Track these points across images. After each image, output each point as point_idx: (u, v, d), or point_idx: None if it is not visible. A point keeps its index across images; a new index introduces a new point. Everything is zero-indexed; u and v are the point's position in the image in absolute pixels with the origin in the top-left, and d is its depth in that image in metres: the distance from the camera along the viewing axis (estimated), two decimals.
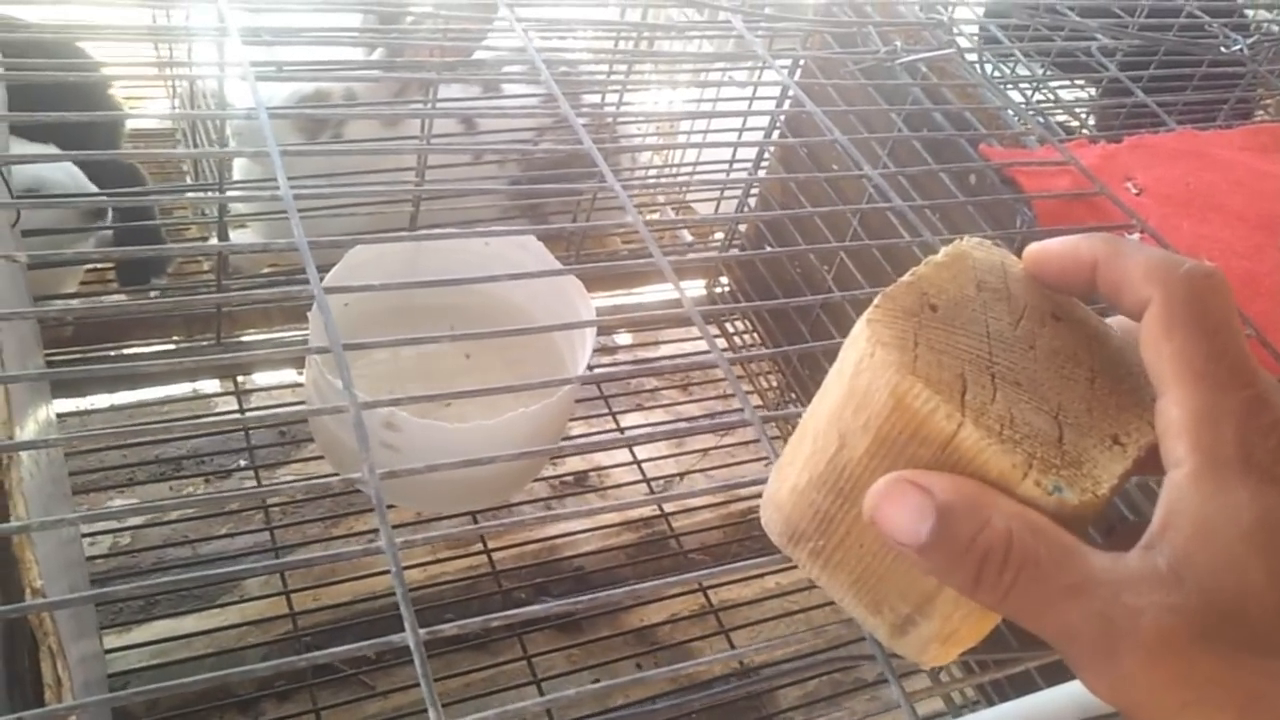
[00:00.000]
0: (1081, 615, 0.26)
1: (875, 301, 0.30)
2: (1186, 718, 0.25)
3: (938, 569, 0.27)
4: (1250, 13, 1.10)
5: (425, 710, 0.30)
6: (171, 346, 0.97)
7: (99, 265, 1.01)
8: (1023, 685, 0.53)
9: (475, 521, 0.91)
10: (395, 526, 0.33)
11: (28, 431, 0.48)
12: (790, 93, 0.65)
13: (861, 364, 0.29)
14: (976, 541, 0.26)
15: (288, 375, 1.04)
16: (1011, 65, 1.07)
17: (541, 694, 0.86)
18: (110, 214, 0.89)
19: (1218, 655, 0.25)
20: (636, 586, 0.38)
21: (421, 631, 0.32)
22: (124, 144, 1.03)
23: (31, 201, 0.63)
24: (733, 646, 0.93)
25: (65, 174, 0.84)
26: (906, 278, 0.31)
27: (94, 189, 0.86)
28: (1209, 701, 0.25)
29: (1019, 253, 0.33)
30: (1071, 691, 0.50)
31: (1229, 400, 0.27)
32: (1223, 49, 0.95)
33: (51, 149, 0.84)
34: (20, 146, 0.81)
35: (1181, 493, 0.26)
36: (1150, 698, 0.26)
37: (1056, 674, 0.52)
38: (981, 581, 0.27)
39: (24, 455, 0.42)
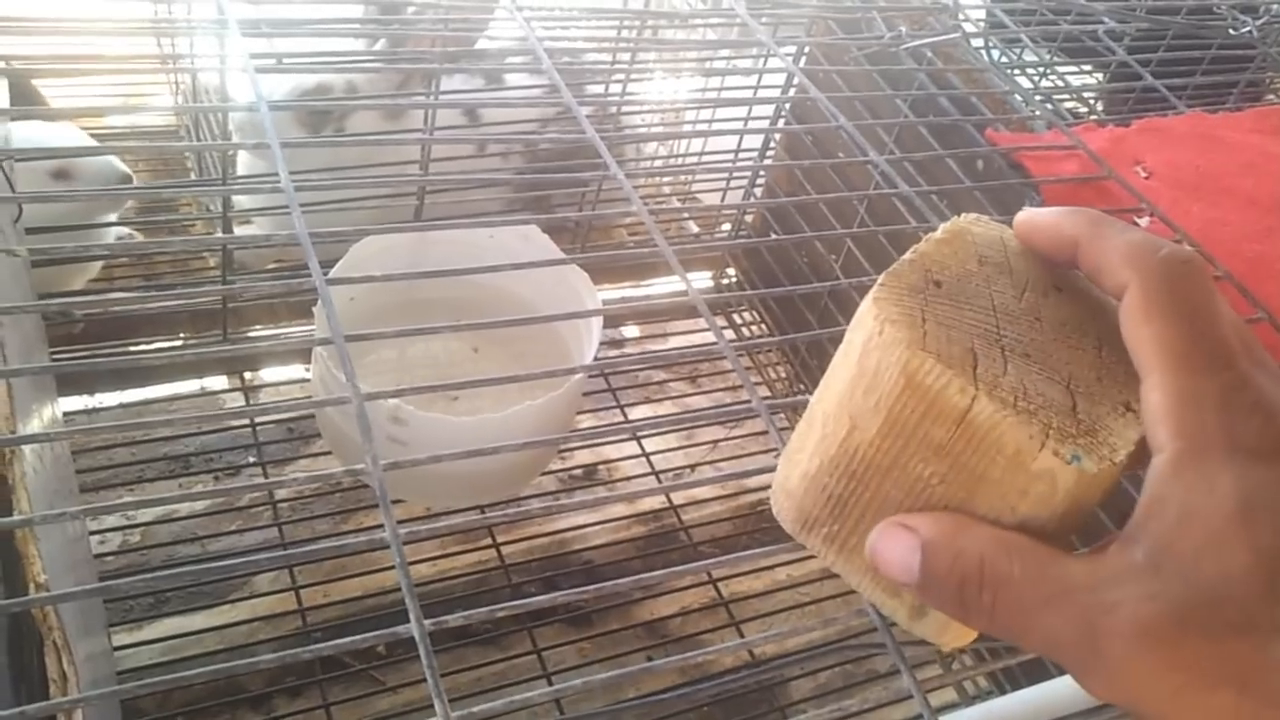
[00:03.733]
0: (1062, 621, 0.26)
1: (879, 280, 0.30)
2: (1183, 700, 0.25)
3: (933, 601, 0.29)
4: None
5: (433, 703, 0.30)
6: (178, 343, 0.97)
7: (112, 262, 1.01)
8: (1034, 672, 0.53)
9: (483, 515, 0.91)
10: (403, 521, 0.33)
11: (31, 428, 0.48)
12: (795, 80, 0.64)
13: (870, 343, 0.28)
14: (952, 570, 0.27)
15: (295, 371, 1.04)
16: (1018, 50, 1.06)
17: (552, 687, 0.86)
18: None
19: (1204, 638, 0.25)
20: (644, 576, 0.37)
21: (427, 622, 0.32)
22: None
23: (34, 196, 0.63)
24: (744, 639, 0.93)
25: (103, 163, 0.85)
26: (908, 255, 0.31)
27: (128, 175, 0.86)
28: (1202, 682, 0.25)
29: None
30: None
31: (1209, 383, 0.27)
32: (1231, 31, 0.94)
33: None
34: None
35: (1164, 480, 0.26)
36: (1143, 688, 0.26)
37: None
38: (966, 606, 0.28)
39: (27, 451, 0.42)
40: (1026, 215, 0.32)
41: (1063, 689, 0.49)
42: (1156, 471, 0.27)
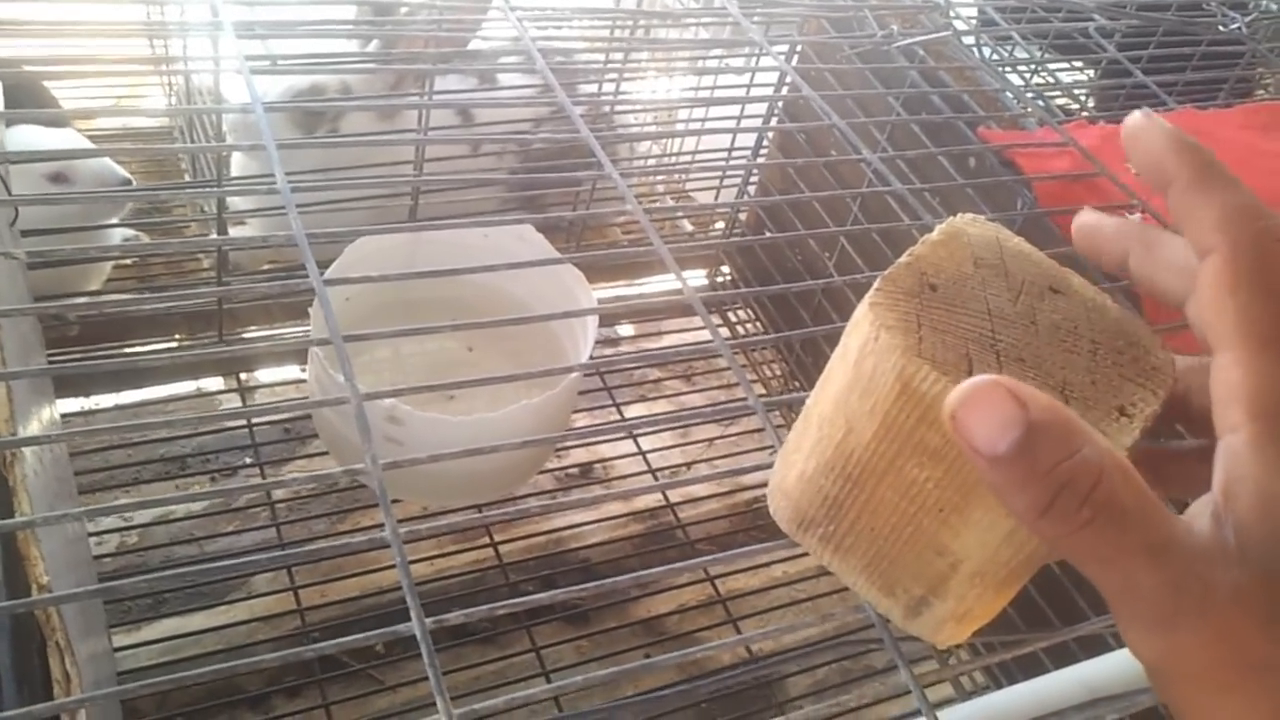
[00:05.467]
0: (1153, 578, 0.24)
1: (876, 284, 0.30)
2: (1224, 700, 0.24)
3: (1005, 486, 0.25)
4: None
5: (433, 703, 0.30)
6: (174, 345, 0.97)
7: (124, 262, 1.01)
8: (1030, 666, 0.53)
9: (481, 514, 0.91)
10: (401, 521, 0.33)
11: (31, 429, 0.48)
12: (788, 78, 0.65)
13: (866, 348, 0.29)
14: (1061, 467, 0.24)
15: (291, 372, 1.04)
16: (1009, 48, 1.07)
17: (550, 684, 0.86)
18: None
19: (1271, 641, 0.24)
20: (642, 574, 0.37)
21: (428, 620, 0.32)
22: None
23: (33, 198, 0.63)
24: (741, 636, 0.94)
25: (101, 166, 0.85)
26: (904, 258, 0.31)
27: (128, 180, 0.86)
28: (1250, 688, 0.24)
29: (1019, 234, 0.33)
30: (1079, 674, 0.50)
31: None
32: (1221, 28, 0.95)
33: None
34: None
35: (1241, 461, 0.25)
36: (1195, 673, 0.25)
37: (1063, 656, 0.52)
38: (1053, 510, 0.24)
39: (27, 452, 0.42)
40: (1139, 122, 0.30)
41: (1058, 684, 0.50)
42: (1232, 450, 0.26)
